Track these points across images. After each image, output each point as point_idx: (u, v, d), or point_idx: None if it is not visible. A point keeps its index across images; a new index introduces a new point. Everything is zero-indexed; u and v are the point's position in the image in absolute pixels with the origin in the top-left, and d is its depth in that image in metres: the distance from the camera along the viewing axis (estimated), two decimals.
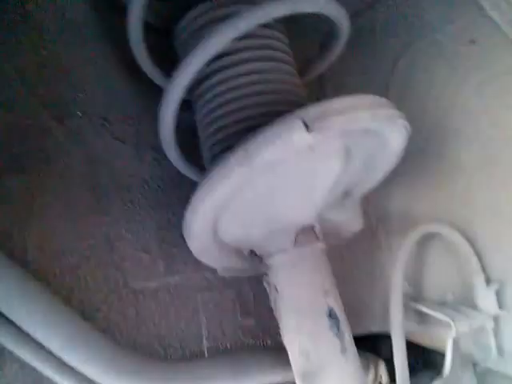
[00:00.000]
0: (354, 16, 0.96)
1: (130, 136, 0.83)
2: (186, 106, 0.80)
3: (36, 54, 0.77)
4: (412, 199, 0.98)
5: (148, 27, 0.81)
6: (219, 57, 0.71)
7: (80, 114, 0.79)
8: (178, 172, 0.83)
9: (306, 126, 0.60)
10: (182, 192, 0.84)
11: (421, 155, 0.95)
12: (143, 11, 0.73)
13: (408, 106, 0.96)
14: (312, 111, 0.61)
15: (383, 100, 0.67)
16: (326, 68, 0.88)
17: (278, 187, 0.68)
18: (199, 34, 0.75)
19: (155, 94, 0.81)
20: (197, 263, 0.78)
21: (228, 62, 0.73)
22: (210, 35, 0.65)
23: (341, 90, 1.04)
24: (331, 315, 0.70)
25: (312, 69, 0.87)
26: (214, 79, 0.74)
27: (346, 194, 0.81)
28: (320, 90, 1.05)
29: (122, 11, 0.75)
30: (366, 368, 0.94)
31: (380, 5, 0.97)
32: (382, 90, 1.00)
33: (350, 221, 0.83)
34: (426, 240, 0.95)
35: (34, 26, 0.77)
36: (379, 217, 1.00)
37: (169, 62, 0.86)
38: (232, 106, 0.72)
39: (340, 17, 0.73)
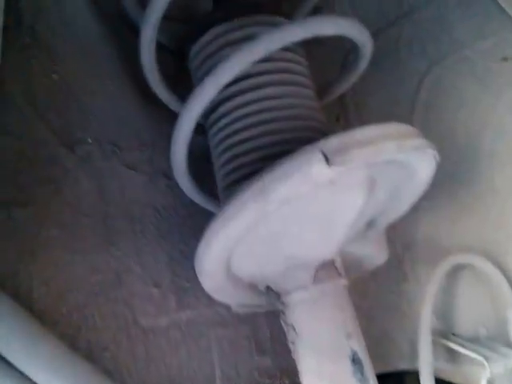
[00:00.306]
0: (376, 33, 0.93)
1: (143, 163, 0.80)
2: (202, 128, 0.77)
3: (47, 78, 0.75)
4: (441, 226, 0.92)
5: (162, 47, 0.79)
6: (235, 81, 0.68)
7: (90, 141, 0.76)
8: (192, 200, 0.80)
9: (327, 158, 0.56)
10: (195, 221, 0.81)
11: (450, 178, 0.90)
12: (156, 33, 0.70)
13: (435, 127, 0.94)
14: (333, 143, 0.57)
15: (409, 128, 0.63)
16: (346, 89, 0.84)
17: (295, 222, 0.64)
18: (214, 59, 0.72)
19: (170, 117, 0.79)
20: (210, 297, 0.74)
21: (244, 87, 0.69)
22: (225, 61, 0.62)
23: (363, 109, 1.00)
24: (354, 360, 0.65)
25: (332, 90, 0.84)
26: (229, 105, 0.70)
27: (369, 225, 0.76)
28: (341, 109, 1.01)
29: (135, 33, 0.72)
30: None
31: (405, 21, 0.92)
32: (407, 110, 0.95)
33: (374, 253, 0.79)
34: (456, 270, 0.90)
35: (45, 49, 0.75)
36: (405, 245, 0.95)
37: (183, 83, 0.84)
38: (247, 132, 0.69)
39: (363, 38, 0.69)
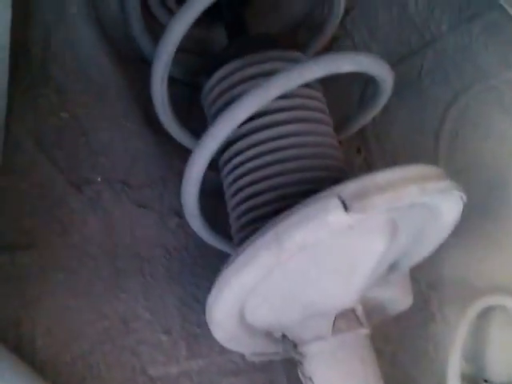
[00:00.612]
0: (398, 62, 0.90)
1: (153, 201, 0.78)
2: (215, 164, 0.75)
3: (55, 117, 0.73)
4: (469, 264, 0.87)
5: (174, 79, 0.76)
6: (250, 118, 0.65)
7: (99, 179, 0.74)
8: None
9: (345, 204, 0.53)
10: (207, 262, 0.78)
11: (478, 213, 0.85)
12: (168, 70, 0.68)
13: (461, 158, 0.90)
14: (351, 188, 0.54)
15: (433, 169, 0.59)
16: (366, 124, 0.81)
17: (311, 270, 0.60)
18: (228, 95, 0.70)
19: (181, 152, 0.77)
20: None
21: (259, 124, 0.67)
22: (241, 99, 0.60)
23: (385, 141, 0.97)
24: None
25: (351, 125, 0.81)
26: (244, 142, 0.68)
27: (392, 268, 0.72)
28: (362, 141, 0.97)
29: (147, 66, 0.70)
30: None
31: (427, 50, 0.88)
32: (432, 141, 0.91)
33: (398, 298, 0.74)
34: (487, 311, 0.84)
35: (55, 87, 0.73)
36: (431, 284, 0.90)
37: (196, 116, 0.81)
38: (262, 172, 0.66)
39: (384, 74, 0.66)
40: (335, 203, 0.53)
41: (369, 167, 0.95)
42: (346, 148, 0.92)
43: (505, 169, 0.87)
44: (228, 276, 0.57)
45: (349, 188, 0.54)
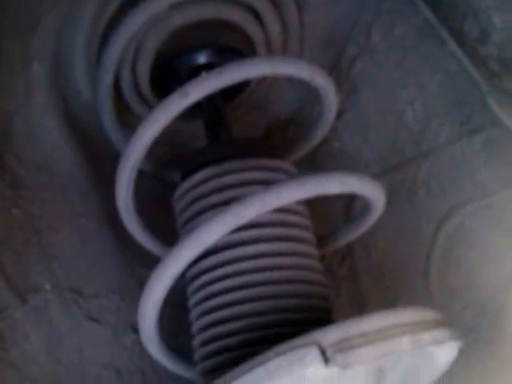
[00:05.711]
0: (391, 169, 0.89)
1: (108, 314, 0.73)
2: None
3: (6, 212, 0.69)
4: None
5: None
6: None
7: (49, 287, 0.69)
8: None
9: (325, 356, 0.48)
10: None
11: (471, 338, 0.82)
12: (136, 172, 0.65)
13: (454, 279, 0.88)
14: (334, 336, 0.49)
15: (429, 315, 0.55)
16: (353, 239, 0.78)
17: None
18: (202, 204, 0.67)
19: (145, 259, 0.73)
20: None
21: (231, 241, 0.63)
22: (209, 222, 0.56)
23: (372, 251, 0.93)
24: None
25: (337, 240, 0.77)
26: (211, 260, 0.64)
27: None
28: (347, 249, 0.94)
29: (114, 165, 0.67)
30: None
31: (423, 161, 0.87)
32: (423, 256, 0.89)
33: None
34: None
35: (10, 180, 0.70)
36: None
37: (163, 215, 0.77)
38: (230, 296, 0.62)
39: (375, 195, 0.63)
40: (314, 354, 0.48)
41: (353, 280, 0.91)
42: (330, 256, 0.89)
43: (501, 293, 0.86)
44: None
45: (331, 336, 0.49)
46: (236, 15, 0.77)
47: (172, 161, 0.82)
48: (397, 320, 0.52)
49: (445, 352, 0.59)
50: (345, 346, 0.49)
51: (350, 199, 0.86)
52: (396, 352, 0.51)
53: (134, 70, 0.76)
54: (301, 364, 0.48)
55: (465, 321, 0.85)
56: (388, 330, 0.51)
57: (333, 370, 0.48)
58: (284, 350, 0.49)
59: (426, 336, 0.52)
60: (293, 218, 0.66)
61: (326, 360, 0.48)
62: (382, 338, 0.50)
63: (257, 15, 0.80)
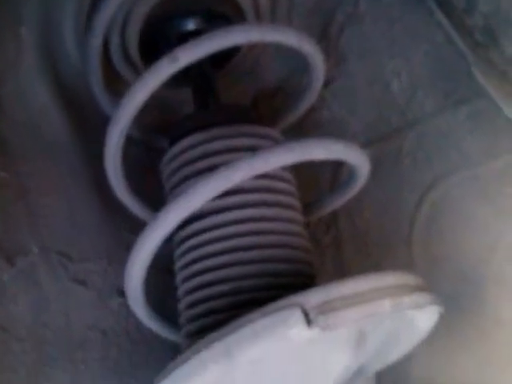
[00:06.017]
0: (377, 140, 0.89)
1: (94, 277, 0.73)
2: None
3: None
4: (436, 363, 0.86)
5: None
6: None
7: (36, 250, 0.70)
8: None
9: (308, 318, 0.50)
10: (149, 349, 0.74)
11: (450, 306, 0.83)
12: (125, 136, 0.65)
13: (436, 248, 0.89)
14: (316, 298, 0.51)
15: (409, 279, 0.57)
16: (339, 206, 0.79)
17: (268, 382, 0.56)
18: (189, 170, 0.67)
19: (133, 224, 0.74)
20: None
21: (217, 207, 0.64)
22: (198, 185, 0.56)
23: (357, 220, 0.95)
24: None
25: (322, 207, 0.79)
26: (198, 225, 0.65)
27: (357, 374, 0.68)
28: (332, 218, 0.95)
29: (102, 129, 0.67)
30: None
31: (408, 130, 0.88)
32: (406, 225, 0.90)
33: None
34: None
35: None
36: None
37: (150, 182, 0.78)
38: (216, 260, 0.63)
39: (360, 162, 0.64)
40: (297, 316, 0.49)
41: (337, 248, 0.92)
42: (315, 224, 0.90)
43: (483, 263, 0.87)
44: None
45: (313, 298, 0.51)
46: None
47: (160, 127, 0.82)
48: (378, 283, 0.54)
49: (425, 317, 0.60)
50: (326, 308, 0.50)
51: (336, 169, 0.87)
52: (377, 314, 0.52)
53: (123, 34, 0.76)
54: (285, 325, 0.49)
55: (446, 290, 0.87)
56: (369, 293, 0.52)
57: (315, 332, 0.50)
58: (267, 311, 0.51)
59: (407, 299, 0.54)
60: (279, 185, 0.67)
61: (309, 322, 0.49)
62: (363, 301, 0.51)
63: None
